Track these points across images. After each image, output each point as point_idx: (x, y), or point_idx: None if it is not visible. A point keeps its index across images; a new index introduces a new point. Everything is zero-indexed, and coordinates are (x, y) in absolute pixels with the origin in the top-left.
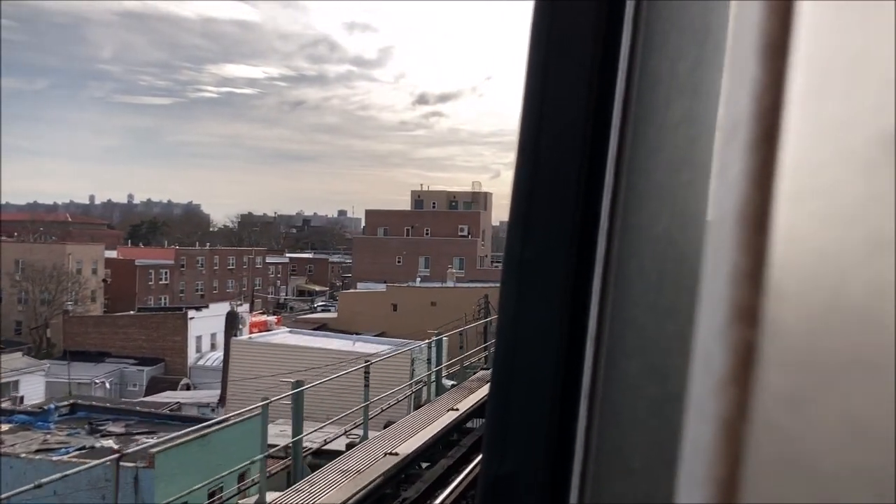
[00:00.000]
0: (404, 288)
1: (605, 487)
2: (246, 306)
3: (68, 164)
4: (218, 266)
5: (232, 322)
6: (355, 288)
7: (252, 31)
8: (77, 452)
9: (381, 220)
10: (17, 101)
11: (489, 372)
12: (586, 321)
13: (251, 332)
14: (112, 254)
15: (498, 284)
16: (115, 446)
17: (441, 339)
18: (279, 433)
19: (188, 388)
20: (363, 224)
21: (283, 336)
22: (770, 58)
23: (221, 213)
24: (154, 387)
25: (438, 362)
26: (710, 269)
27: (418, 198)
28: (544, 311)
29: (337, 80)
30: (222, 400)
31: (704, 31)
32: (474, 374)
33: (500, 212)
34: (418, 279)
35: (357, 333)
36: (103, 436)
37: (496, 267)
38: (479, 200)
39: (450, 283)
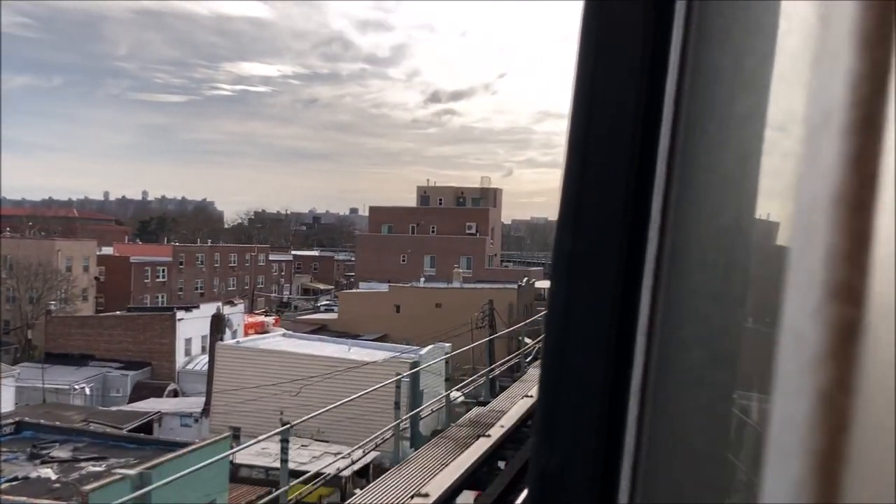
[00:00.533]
0: (408, 288)
1: (663, 474)
2: (241, 306)
3: (83, 161)
4: (219, 264)
5: (217, 325)
6: (358, 287)
7: (267, 29)
8: (8, 485)
9: (386, 217)
10: (34, 98)
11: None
12: (637, 314)
13: (247, 334)
14: (110, 251)
15: (507, 286)
16: (54, 476)
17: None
18: (261, 451)
19: (175, 394)
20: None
21: (274, 341)
22: (869, 49)
23: (235, 210)
24: (138, 393)
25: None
26: (801, 251)
27: (424, 194)
28: (594, 304)
29: (350, 78)
30: (206, 410)
31: (773, 28)
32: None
33: (510, 209)
34: (422, 279)
35: (357, 336)
36: (44, 462)
37: (506, 267)
38: (487, 197)
39: (456, 284)
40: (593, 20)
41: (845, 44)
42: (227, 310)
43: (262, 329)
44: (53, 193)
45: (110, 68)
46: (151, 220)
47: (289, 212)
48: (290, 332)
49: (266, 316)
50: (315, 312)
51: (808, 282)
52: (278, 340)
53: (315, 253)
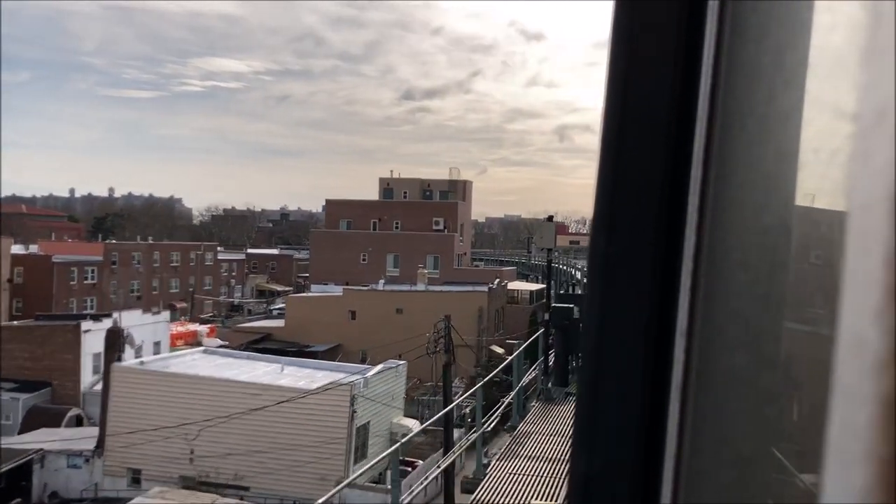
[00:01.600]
0: (365, 292)
1: (706, 478)
2: (166, 314)
3: (50, 158)
4: (159, 263)
5: (113, 342)
6: (310, 290)
7: (238, 25)
8: None
9: (344, 212)
10: None
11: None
12: (675, 315)
13: (174, 345)
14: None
15: (477, 288)
16: None
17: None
18: None
19: (79, 421)
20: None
21: (190, 360)
22: None
23: (205, 207)
24: (32, 420)
25: None
26: (857, 253)
27: (387, 186)
28: (630, 306)
29: (323, 75)
30: (100, 448)
31: (811, 26)
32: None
33: (484, 207)
34: (381, 282)
35: (306, 347)
36: None
37: (477, 266)
38: (456, 190)
39: (420, 286)
40: (625, 19)
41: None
42: (147, 318)
43: (192, 340)
44: (18, 190)
45: (78, 63)
46: (107, 217)
47: (260, 209)
48: (216, 349)
49: (198, 325)
50: (265, 318)
51: (867, 284)
52: (196, 359)
53: (273, 251)
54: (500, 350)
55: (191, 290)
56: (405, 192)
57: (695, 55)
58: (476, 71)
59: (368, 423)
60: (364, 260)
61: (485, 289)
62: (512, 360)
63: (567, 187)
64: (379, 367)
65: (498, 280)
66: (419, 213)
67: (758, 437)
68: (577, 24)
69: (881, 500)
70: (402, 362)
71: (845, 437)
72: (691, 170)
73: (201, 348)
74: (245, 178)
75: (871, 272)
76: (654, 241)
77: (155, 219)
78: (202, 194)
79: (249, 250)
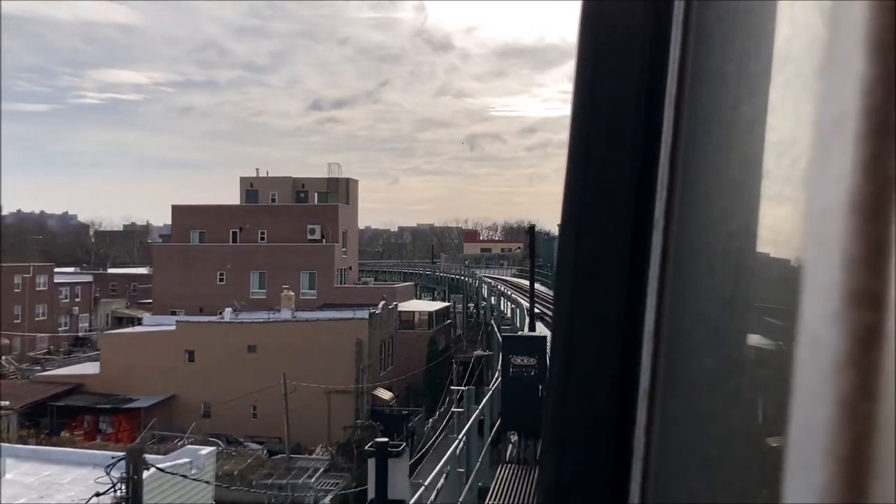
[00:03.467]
0: (205, 326)
1: (674, 482)
2: None
3: None
4: None
5: None
6: (139, 323)
7: (136, 36)
8: None
9: (196, 220)
10: None
11: None
12: (643, 320)
13: None
14: None
15: (358, 315)
16: None
17: None
18: None
19: None
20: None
21: None
22: (880, 54)
23: (108, 223)
24: None
25: None
26: (816, 258)
27: (251, 187)
28: (599, 310)
29: (228, 86)
30: None
31: (774, 34)
32: None
33: (396, 217)
34: (228, 311)
35: (126, 401)
36: None
37: (365, 284)
38: (338, 190)
39: (284, 314)
40: (592, 27)
41: (856, 49)
42: None
43: None
44: None
45: None
46: None
47: (162, 223)
48: None
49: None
50: (88, 361)
51: (825, 288)
52: None
53: (142, 270)
54: (386, 395)
55: (16, 321)
56: (273, 195)
57: (660, 62)
58: (385, 81)
59: None
60: (221, 280)
61: (365, 315)
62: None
63: (479, 195)
64: (172, 457)
65: (384, 303)
66: (291, 220)
67: (723, 439)
68: (484, 33)
69: (840, 499)
70: (207, 449)
71: (804, 437)
72: (658, 175)
73: None
74: (150, 193)
75: (830, 276)
76: (622, 245)
77: (18, 237)
78: (100, 211)
79: (111, 270)
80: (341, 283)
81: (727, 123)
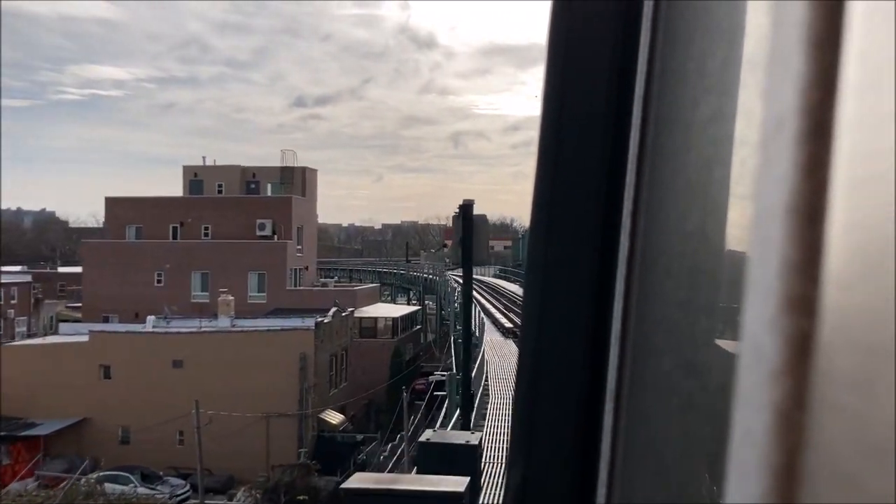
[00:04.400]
0: (124, 337)
1: (637, 483)
2: None
3: None
4: None
5: None
6: (54, 331)
7: (117, 31)
8: None
9: (132, 214)
10: None
11: None
12: (610, 321)
13: None
14: None
15: (304, 323)
16: None
17: None
18: None
19: None
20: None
21: None
22: (818, 52)
23: (91, 220)
24: None
25: None
26: (757, 262)
27: (195, 176)
28: (568, 313)
29: (210, 82)
30: None
31: (733, 31)
32: None
33: (379, 214)
34: (150, 319)
35: (27, 425)
36: None
37: (323, 287)
38: (293, 180)
39: (222, 322)
40: (561, 26)
41: (795, 47)
42: None
43: None
44: None
45: None
46: None
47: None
48: None
49: None
50: None
51: (764, 292)
52: None
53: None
54: (336, 418)
55: None
56: (220, 185)
57: (630, 61)
58: (368, 78)
59: None
60: (160, 282)
61: (311, 325)
62: None
63: (464, 193)
64: None
65: (335, 310)
66: (238, 214)
67: (677, 444)
68: (468, 31)
69: None
70: None
71: (744, 445)
72: (626, 176)
73: None
74: (131, 190)
75: (768, 281)
76: (590, 248)
77: None
78: (80, 207)
79: (63, 269)
80: (295, 286)
81: (686, 123)
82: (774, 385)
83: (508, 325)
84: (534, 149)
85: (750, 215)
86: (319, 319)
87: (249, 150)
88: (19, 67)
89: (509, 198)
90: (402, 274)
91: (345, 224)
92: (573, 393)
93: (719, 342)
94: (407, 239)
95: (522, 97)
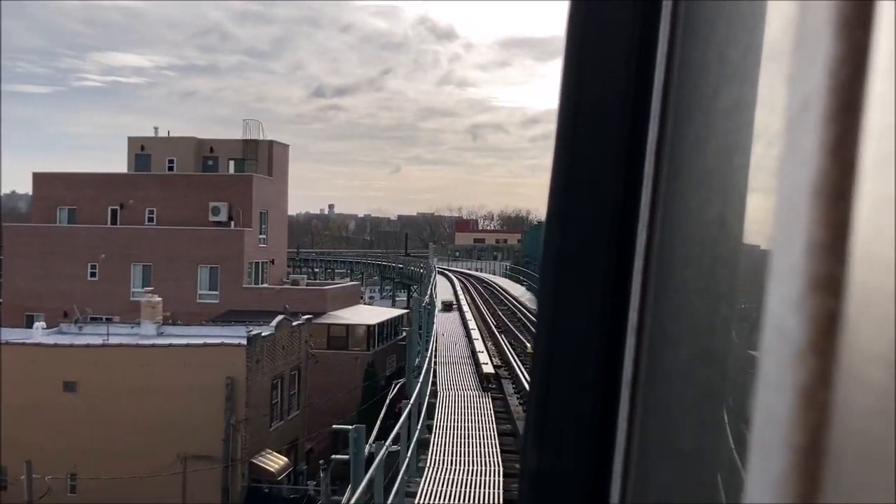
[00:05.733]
0: (3, 349)
1: (653, 471)
2: None
3: None
4: None
5: None
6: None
7: (138, 19)
8: None
9: (63, 193)
10: None
11: None
12: (627, 311)
13: None
14: None
15: (235, 339)
16: None
17: None
18: None
19: None
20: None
21: None
22: (848, 32)
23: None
24: None
25: None
26: (782, 243)
27: (141, 149)
28: (583, 302)
29: (230, 71)
30: None
31: (755, 18)
32: None
33: (397, 206)
34: (38, 326)
35: None
36: None
37: (294, 285)
38: (258, 156)
39: (147, 329)
40: (580, 17)
41: (824, 27)
42: None
43: None
44: None
45: None
46: None
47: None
48: None
49: None
50: None
51: (789, 274)
52: None
53: None
54: (275, 463)
55: None
56: (171, 161)
57: (649, 52)
58: (387, 69)
59: None
60: (94, 275)
61: (241, 341)
62: None
63: (480, 185)
64: None
65: (281, 318)
66: (189, 195)
67: (697, 431)
68: (488, 23)
69: (795, 490)
70: None
71: (767, 427)
72: (644, 166)
73: None
74: None
75: (794, 261)
76: (607, 237)
77: None
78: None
79: None
80: (258, 283)
81: (707, 112)
82: (799, 365)
83: (487, 366)
84: (553, 142)
85: (772, 200)
86: (254, 333)
87: (269, 140)
88: (42, 54)
89: (526, 191)
90: (400, 269)
91: (361, 215)
92: (588, 383)
93: (739, 328)
94: (420, 230)
95: (542, 90)
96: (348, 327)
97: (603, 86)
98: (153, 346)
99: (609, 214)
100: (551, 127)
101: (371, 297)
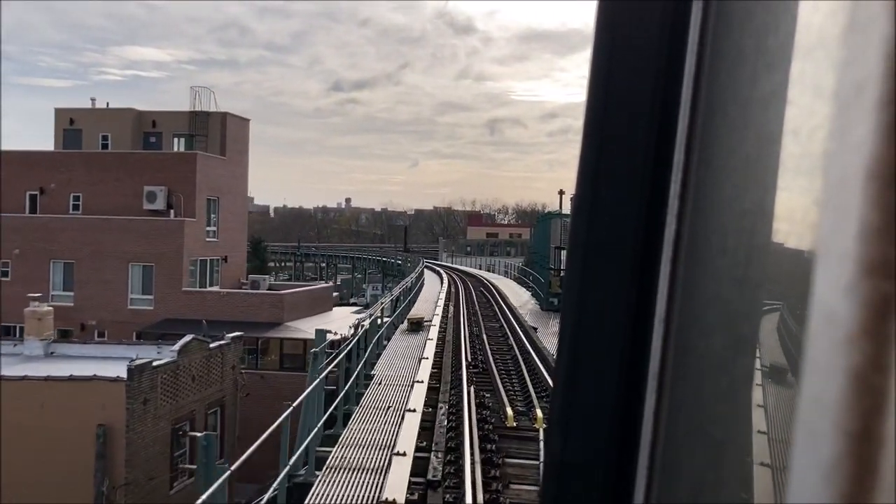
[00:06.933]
0: None
1: (681, 464)
2: None
3: None
4: None
5: None
6: None
7: (158, 13)
8: None
9: None
10: None
11: None
12: (654, 301)
13: None
14: None
15: (111, 372)
16: None
17: None
18: None
19: None
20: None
21: None
22: None
23: None
24: None
25: None
26: (831, 228)
27: (70, 123)
28: (610, 293)
29: (248, 65)
30: None
31: (792, 9)
32: None
33: (412, 200)
34: None
35: None
36: None
37: (254, 288)
38: (208, 132)
39: (32, 347)
40: (610, 4)
41: (881, 10)
42: None
43: None
44: None
45: None
46: None
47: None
48: None
49: None
50: None
51: (840, 258)
52: None
53: None
54: None
55: None
56: (105, 137)
57: (680, 40)
58: (405, 63)
59: None
60: (5, 274)
61: (120, 375)
62: None
63: (498, 180)
64: None
65: (190, 339)
66: (123, 176)
67: (731, 420)
68: (507, 17)
69: (848, 475)
70: None
71: (814, 411)
72: (674, 155)
73: None
74: None
75: (845, 246)
76: (635, 226)
77: None
78: None
79: None
80: (203, 285)
81: (744, 100)
82: (851, 349)
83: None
84: (571, 136)
85: (816, 187)
86: (138, 362)
87: (286, 134)
88: (64, 48)
89: (543, 185)
90: (398, 265)
91: (378, 209)
92: (613, 374)
93: (777, 317)
94: (433, 224)
95: (560, 84)
96: (306, 342)
97: (632, 74)
98: (9, 378)
99: (637, 203)
100: (570, 121)
101: (374, 295)
